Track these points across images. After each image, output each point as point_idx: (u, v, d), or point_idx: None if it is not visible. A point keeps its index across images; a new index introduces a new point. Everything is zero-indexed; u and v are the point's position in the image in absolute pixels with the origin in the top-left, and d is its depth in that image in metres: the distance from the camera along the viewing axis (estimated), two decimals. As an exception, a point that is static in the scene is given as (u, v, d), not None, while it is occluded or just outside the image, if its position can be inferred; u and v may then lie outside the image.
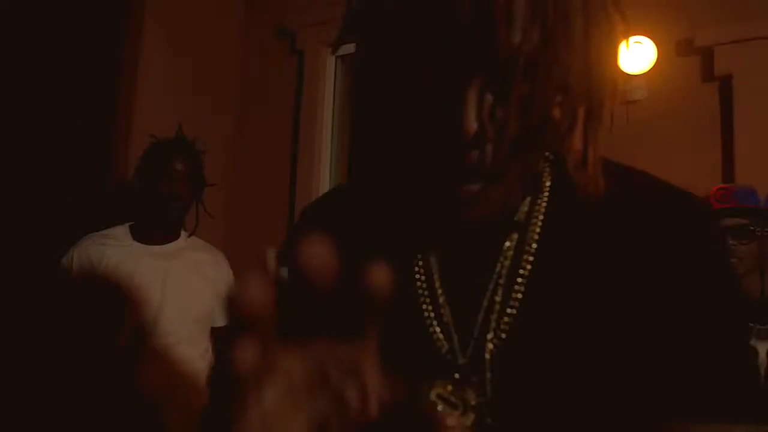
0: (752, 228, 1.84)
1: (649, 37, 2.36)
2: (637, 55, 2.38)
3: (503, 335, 0.54)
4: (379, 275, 0.29)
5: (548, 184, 0.58)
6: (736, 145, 2.29)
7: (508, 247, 0.56)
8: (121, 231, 2.01)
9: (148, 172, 2.04)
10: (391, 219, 0.61)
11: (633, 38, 2.37)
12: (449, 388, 0.53)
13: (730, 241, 1.83)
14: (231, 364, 0.28)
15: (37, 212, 2.35)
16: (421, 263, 0.59)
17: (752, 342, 1.76)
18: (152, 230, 2.02)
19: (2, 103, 2.29)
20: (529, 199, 0.58)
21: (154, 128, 2.36)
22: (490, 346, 0.54)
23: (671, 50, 2.43)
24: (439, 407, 0.52)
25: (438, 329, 0.57)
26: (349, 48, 0.56)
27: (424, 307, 0.58)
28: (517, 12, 0.47)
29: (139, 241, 1.99)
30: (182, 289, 1.91)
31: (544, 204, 0.58)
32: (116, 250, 1.93)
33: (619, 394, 0.51)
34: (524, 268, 0.55)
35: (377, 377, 0.31)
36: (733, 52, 2.33)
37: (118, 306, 1.85)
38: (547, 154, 0.58)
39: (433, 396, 0.53)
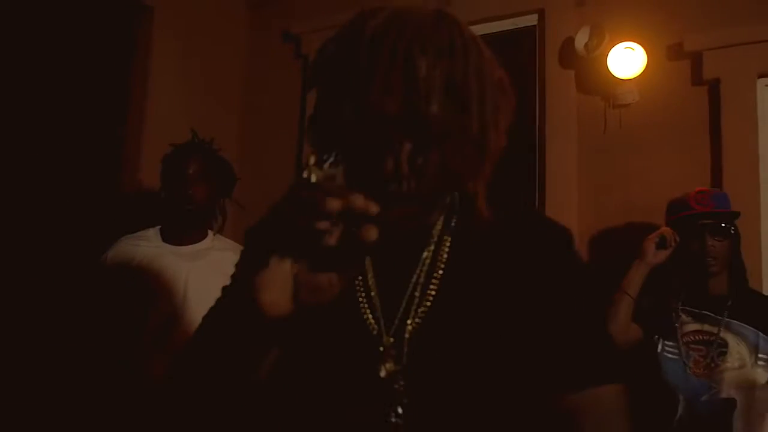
0: (726, 225, 1.96)
1: (639, 43, 2.43)
2: (628, 60, 2.44)
3: (419, 321, 0.76)
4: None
5: (456, 209, 0.80)
6: (723, 147, 2.36)
7: (426, 256, 0.78)
8: (153, 233, 2.12)
9: (164, 176, 2.15)
10: None
11: (624, 44, 2.45)
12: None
13: (709, 241, 1.95)
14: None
15: (50, 213, 2.42)
16: None
17: (721, 334, 1.87)
18: (179, 232, 2.12)
19: (14, 107, 2.36)
20: (442, 219, 0.79)
21: (164, 130, 2.45)
22: (409, 328, 0.75)
23: (661, 55, 2.50)
24: None
25: (370, 315, 0.78)
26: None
27: (360, 299, 0.79)
28: (435, 91, 0.68)
29: (167, 243, 2.09)
30: (203, 287, 1.98)
31: (452, 224, 0.79)
32: (147, 250, 2.05)
33: (503, 365, 0.73)
34: (437, 272, 0.77)
35: None
36: (722, 57, 2.40)
37: (146, 299, 1.95)
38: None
39: None
